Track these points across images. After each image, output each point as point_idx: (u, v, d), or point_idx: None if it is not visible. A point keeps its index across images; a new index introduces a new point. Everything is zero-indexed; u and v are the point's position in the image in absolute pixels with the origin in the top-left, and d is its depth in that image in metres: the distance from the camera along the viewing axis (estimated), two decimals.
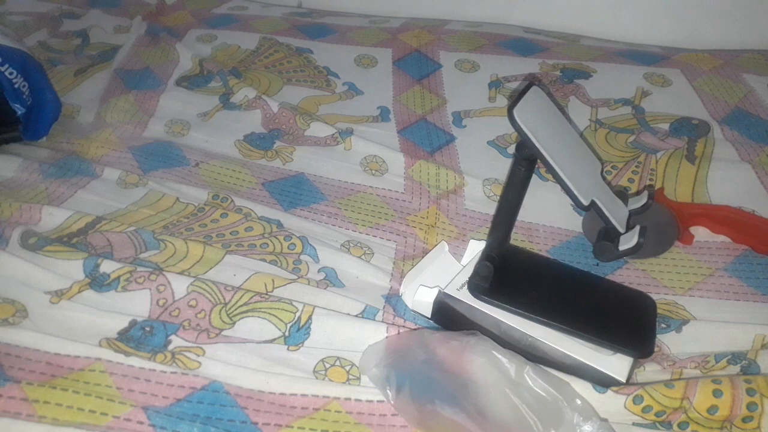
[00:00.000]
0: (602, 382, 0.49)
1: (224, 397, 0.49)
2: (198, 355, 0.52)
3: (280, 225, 0.67)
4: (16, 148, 0.78)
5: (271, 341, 0.54)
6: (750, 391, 0.47)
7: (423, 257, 0.63)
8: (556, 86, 0.90)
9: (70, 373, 0.50)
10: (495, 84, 0.92)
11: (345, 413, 0.49)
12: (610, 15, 1.10)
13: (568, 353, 0.51)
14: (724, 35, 1.05)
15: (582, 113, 0.86)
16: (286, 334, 0.55)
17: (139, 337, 0.53)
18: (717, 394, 0.47)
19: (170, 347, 0.53)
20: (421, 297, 0.57)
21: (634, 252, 0.47)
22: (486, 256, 0.54)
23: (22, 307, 0.55)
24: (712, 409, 0.47)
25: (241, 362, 0.52)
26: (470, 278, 0.55)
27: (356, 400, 0.50)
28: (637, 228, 0.48)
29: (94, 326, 0.54)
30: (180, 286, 0.57)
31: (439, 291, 0.56)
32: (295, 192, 0.74)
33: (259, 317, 0.56)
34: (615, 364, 0.50)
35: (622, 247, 0.48)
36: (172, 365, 0.51)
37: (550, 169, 0.46)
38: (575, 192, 0.47)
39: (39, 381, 0.49)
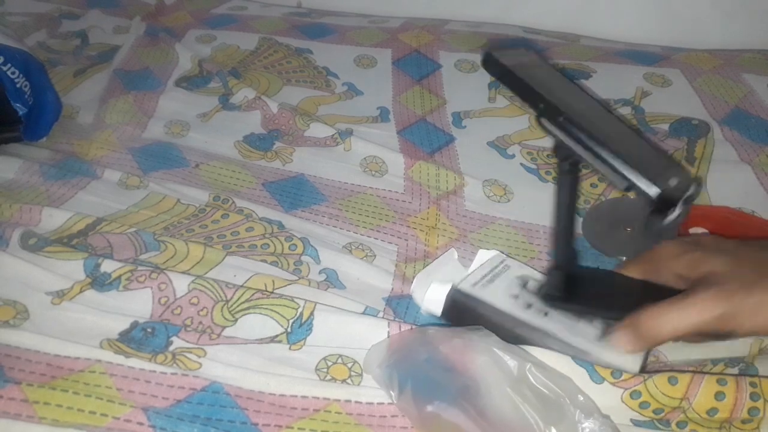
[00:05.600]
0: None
1: (224, 398, 0.49)
2: (199, 356, 0.52)
3: (281, 226, 0.67)
4: (16, 149, 0.78)
5: (273, 338, 0.54)
6: (754, 396, 0.47)
7: (429, 259, 0.62)
8: None
9: (70, 374, 0.50)
10: (495, 84, 0.92)
11: (345, 414, 0.49)
12: (610, 15, 1.10)
13: (581, 348, 0.51)
14: (724, 35, 1.05)
15: None
16: (288, 330, 0.54)
17: (140, 338, 0.53)
18: (719, 396, 0.47)
19: (171, 348, 0.53)
20: (433, 294, 0.57)
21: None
22: (556, 265, 0.54)
23: (23, 308, 0.55)
24: (711, 411, 0.47)
25: (241, 363, 0.52)
26: (543, 288, 0.55)
27: (356, 402, 0.50)
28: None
29: (95, 327, 0.54)
30: (181, 284, 0.57)
31: (452, 287, 0.56)
32: (296, 193, 0.74)
33: (261, 314, 0.56)
34: (628, 358, 0.50)
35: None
36: (172, 366, 0.51)
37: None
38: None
39: (39, 382, 0.49)
